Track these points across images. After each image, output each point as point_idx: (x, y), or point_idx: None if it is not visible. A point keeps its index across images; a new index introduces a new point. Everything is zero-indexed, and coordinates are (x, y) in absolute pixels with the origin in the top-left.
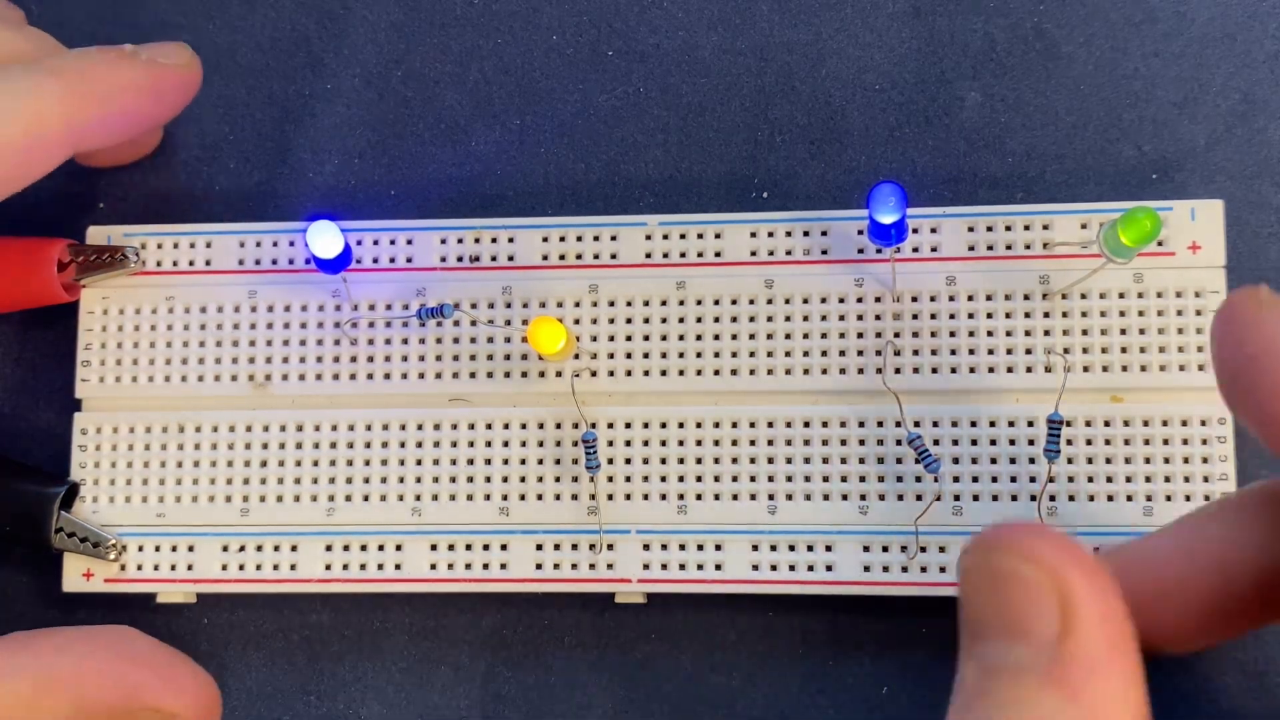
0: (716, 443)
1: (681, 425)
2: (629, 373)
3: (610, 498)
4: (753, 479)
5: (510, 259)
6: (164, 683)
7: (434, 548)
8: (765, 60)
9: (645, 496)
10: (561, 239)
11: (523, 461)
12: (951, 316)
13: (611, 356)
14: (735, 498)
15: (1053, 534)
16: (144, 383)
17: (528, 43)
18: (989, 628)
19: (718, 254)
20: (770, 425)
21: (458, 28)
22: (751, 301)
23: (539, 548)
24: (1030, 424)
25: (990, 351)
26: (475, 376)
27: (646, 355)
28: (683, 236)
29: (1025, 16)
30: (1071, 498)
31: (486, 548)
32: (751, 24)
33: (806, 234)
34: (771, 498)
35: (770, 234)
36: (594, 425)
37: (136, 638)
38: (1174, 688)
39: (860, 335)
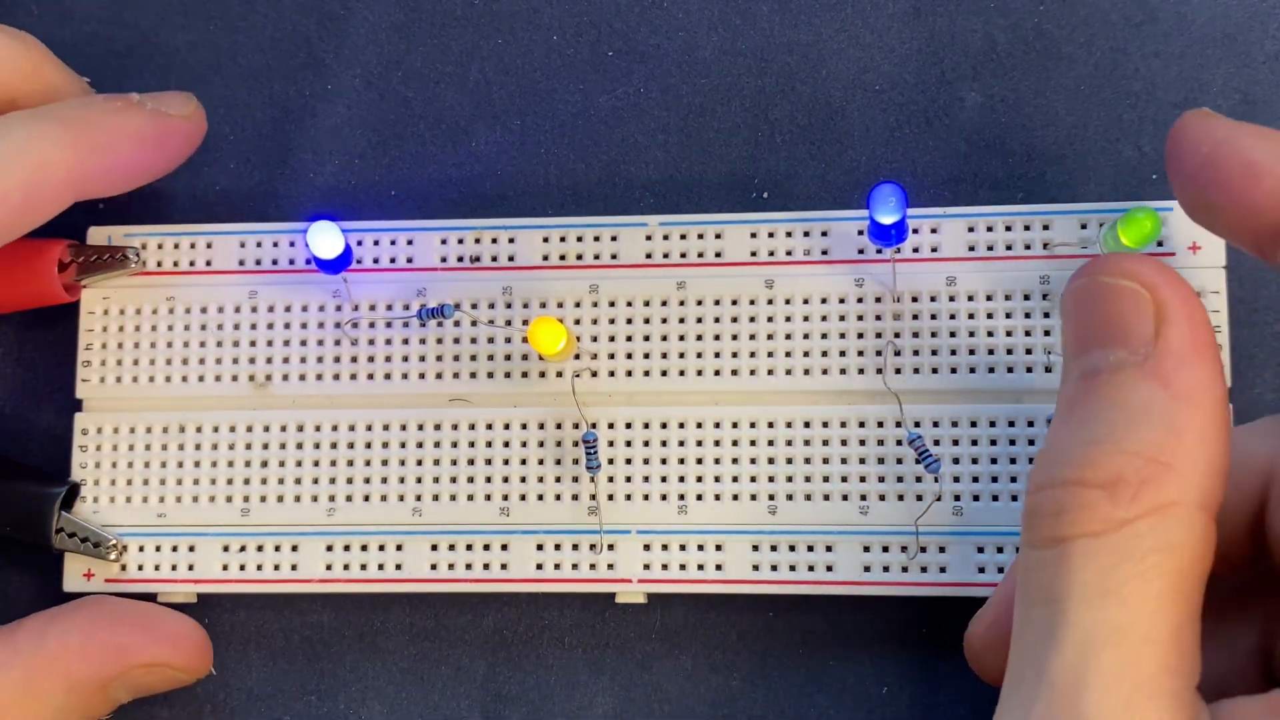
0: (717, 443)
1: (682, 425)
2: (629, 373)
3: (611, 498)
4: (753, 479)
5: (510, 259)
6: (149, 637)
7: (434, 548)
8: (765, 61)
9: (646, 497)
10: (562, 239)
11: (523, 462)
12: (952, 317)
13: (612, 357)
14: (735, 498)
15: (1148, 258)
16: (144, 383)
17: (528, 43)
18: (1092, 339)
19: (718, 254)
20: (770, 425)
21: (458, 28)
22: (752, 302)
23: (539, 548)
24: (1031, 424)
25: (990, 352)
26: (476, 377)
27: (647, 355)
28: (683, 237)
29: (1025, 16)
30: None
31: (487, 548)
32: (752, 25)
33: (807, 234)
34: (772, 498)
35: (770, 234)
36: (594, 425)
37: (111, 603)
38: None
39: (860, 335)
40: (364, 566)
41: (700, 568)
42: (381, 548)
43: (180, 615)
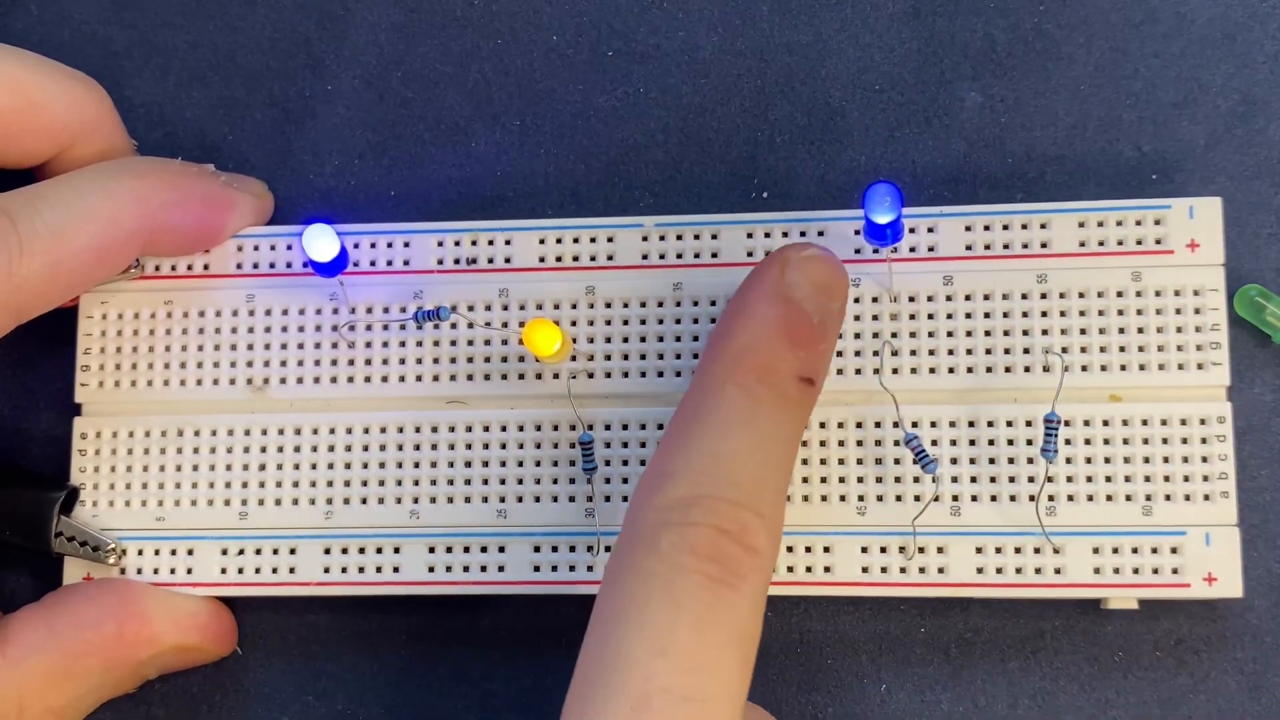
0: None
1: None
2: (626, 374)
3: (608, 499)
4: None
5: (507, 261)
6: (179, 625)
7: (432, 550)
8: (765, 61)
9: None
10: (558, 240)
11: (520, 464)
12: (949, 316)
13: (608, 358)
14: None
15: None
16: (143, 387)
17: (528, 43)
18: None
19: (714, 254)
20: None
21: (458, 29)
22: None
23: (536, 550)
24: (1028, 424)
25: (988, 351)
26: (472, 379)
27: (643, 357)
28: (679, 237)
29: (1025, 16)
30: (1070, 497)
31: (484, 550)
32: (752, 25)
33: (803, 234)
34: None
35: (767, 234)
36: (591, 427)
37: (138, 589)
38: (1172, 687)
39: (857, 336)
40: (361, 569)
41: None
42: (379, 550)
43: (207, 600)
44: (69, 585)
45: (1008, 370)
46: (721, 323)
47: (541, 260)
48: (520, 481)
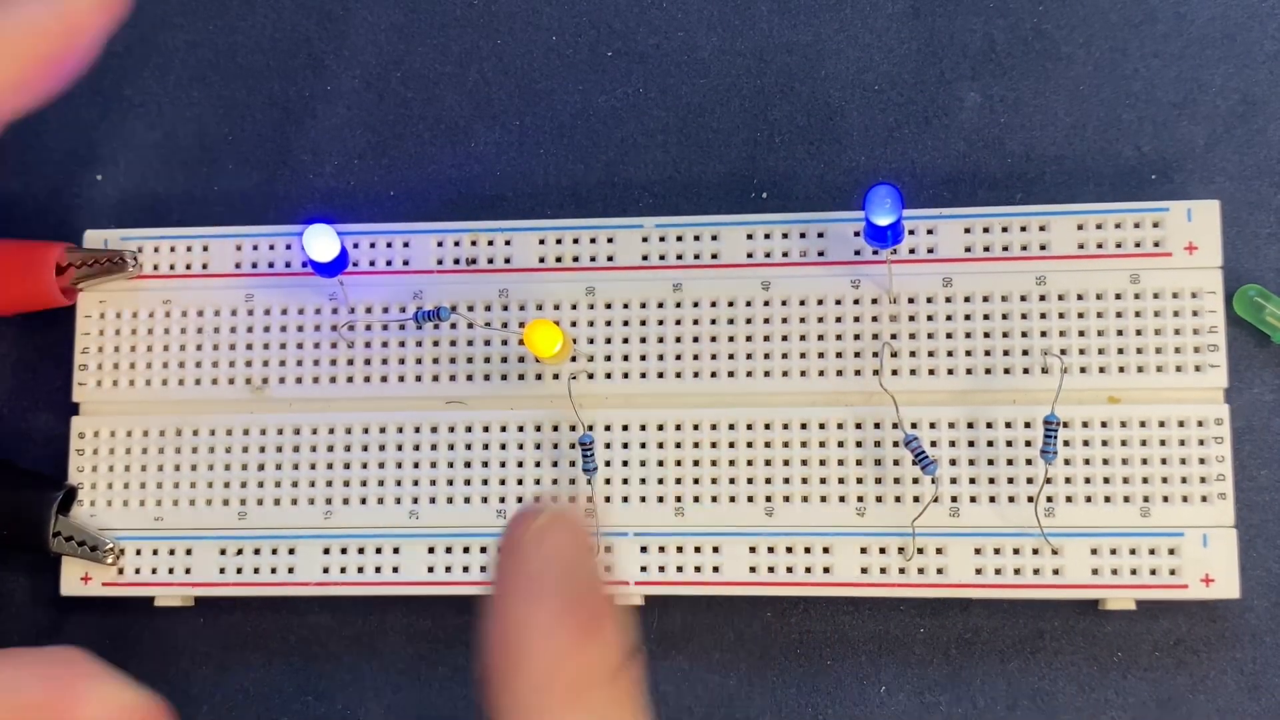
0: (714, 445)
1: (679, 427)
2: (626, 375)
3: (608, 500)
4: (750, 481)
5: (507, 261)
6: (108, 715)
7: (431, 550)
8: (765, 61)
9: (643, 499)
10: (558, 241)
11: (520, 464)
12: (948, 318)
13: (608, 359)
14: (733, 500)
15: None
16: (142, 386)
17: (528, 43)
18: None
19: (714, 256)
20: (767, 427)
21: (458, 29)
22: (748, 303)
23: None
24: (1027, 425)
25: (987, 353)
26: (472, 379)
27: (643, 357)
28: (679, 238)
29: (1025, 16)
30: (1069, 499)
31: (484, 550)
32: (751, 25)
33: (803, 235)
34: (769, 500)
35: (767, 235)
36: (591, 428)
37: (87, 668)
38: (1171, 687)
39: (857, 337)
40: (361, 569)
41: (697, 570)
42: (379, 550)
43: (149, 698)
44: (35, 648)
45: (1007, 372)
46: (495, 644)
47: (541, 260)
48: (520, 482)
